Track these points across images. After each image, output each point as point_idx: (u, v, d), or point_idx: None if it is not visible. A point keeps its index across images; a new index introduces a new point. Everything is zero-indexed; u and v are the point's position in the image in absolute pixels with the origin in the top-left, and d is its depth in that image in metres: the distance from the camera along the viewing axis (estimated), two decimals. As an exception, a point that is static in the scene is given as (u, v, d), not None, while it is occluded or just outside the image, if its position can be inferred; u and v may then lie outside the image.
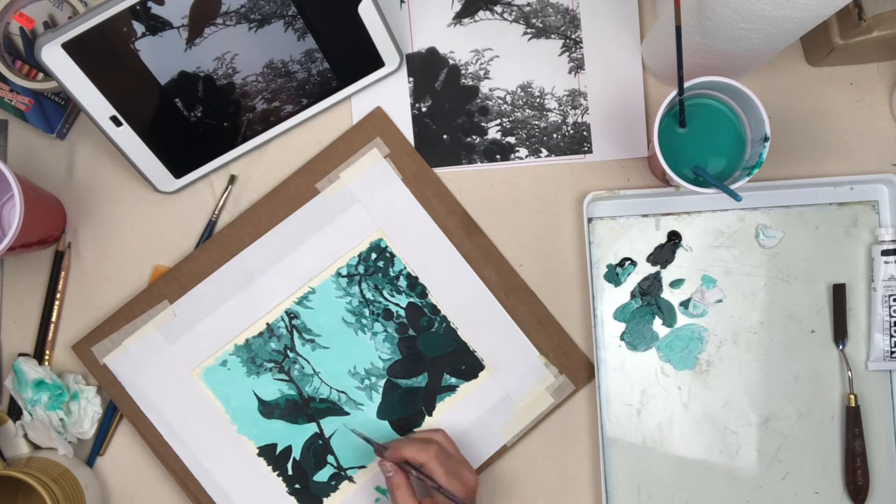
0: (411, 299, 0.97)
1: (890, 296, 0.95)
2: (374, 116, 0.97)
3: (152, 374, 0.96)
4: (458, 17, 0.98)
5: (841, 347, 0.96)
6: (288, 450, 0.97)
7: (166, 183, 0.96)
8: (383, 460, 0.89)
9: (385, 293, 0.97)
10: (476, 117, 0.98)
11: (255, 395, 0.96)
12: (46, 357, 0.97)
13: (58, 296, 0.97)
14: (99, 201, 0.98)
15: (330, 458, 0.97)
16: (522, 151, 0.98)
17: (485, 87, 0.98)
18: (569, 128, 0.98)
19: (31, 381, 0.94)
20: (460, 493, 0.86)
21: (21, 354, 0.96)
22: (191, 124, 0.92)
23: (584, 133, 0.98)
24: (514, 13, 0.98)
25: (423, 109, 0.98)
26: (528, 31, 0.98)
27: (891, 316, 0.95)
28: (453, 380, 0.97)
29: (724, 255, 0.97)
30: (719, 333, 0.97)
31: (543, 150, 0.98)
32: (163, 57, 0.86)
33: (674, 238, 0.97)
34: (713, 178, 0.85)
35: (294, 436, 0.97)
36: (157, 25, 0.83)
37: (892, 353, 0.95)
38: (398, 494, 0.87)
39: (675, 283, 0.97)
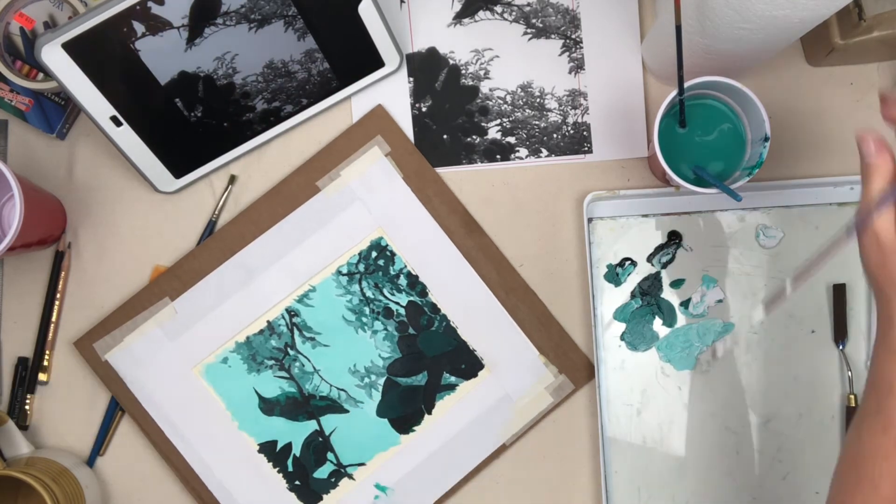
0: (411, 298, 0.97)
1: (890, 296, 0.95)
2: (375, 114, 0.97)
3: (154, 370, 0.96)
4: (458, 17, 0.98)
5: (841, 347, 0.96)
6: (288, 447, 0.97)
7: (166, 183, 0.96)
8: (866, 135, 0.70)
9: (385, 291, 0.97)
10: (476, 117, 0.98)
11: (256, 392, 0.97)
12: (46, 357, 0.97)
13: (58, 296, 0.97)
14: (99, 201, 0.98)
15: (330, 456, 0.97)
16: (522, 151, 0.98)
17: (485, 87, 0.98)
18: (569, 128, 0.98)
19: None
20: None
21: (20, 357, 0.97)
22: (191, 124, 0.92)
23: (584, 133, 0.98)
24: (514, 13, 0.98)
25: (424, 109, 0.98)
26: (528, 31, 0.98)
27: (891, 316, 0.95)
28: (453, 378, 0.97)
29: (724, 255, 0.97)
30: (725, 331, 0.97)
31: (543, 150, 0.98)
32: (163, 57, 0.86)
33: (674, 238, 0.97)
34: (713, 178, 0.85)
35: (294, 433, 0.97)
36: (157, 25, 0.83)
37: (892, 353, 0.95)
38: (873, 177, 0.70)
39: (675, 283, 0.97)
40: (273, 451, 0.97)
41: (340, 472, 0.97)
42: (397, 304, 0.97)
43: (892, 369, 0.71)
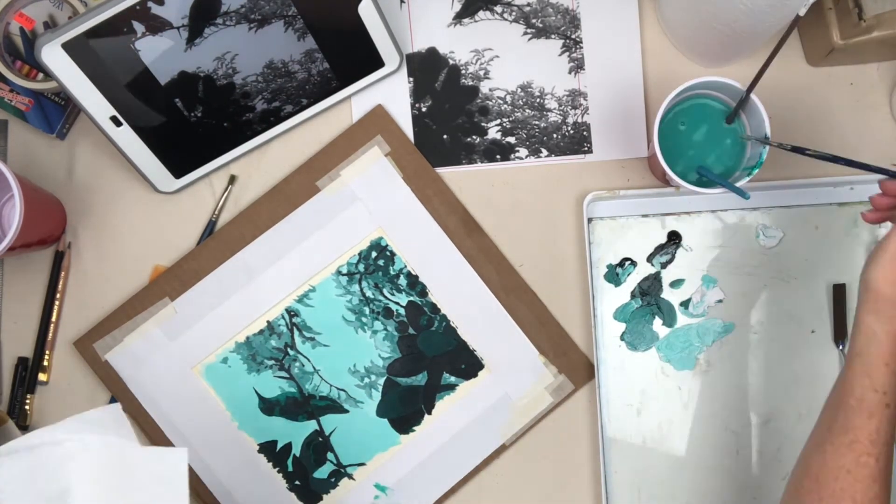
0: (411, 298, 0.97)
1: (890, 296, 0.95)
2: (376, 114, 0.97)
3: (153, 370, 0.96)
4: (458, 17, 0.98)
5: (841, 347, 0.96)
6: (288, 447, 0.97)
7: (166, 183, 0.96)
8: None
9: (385, 292, 0.97)
10: (476, 117, 0.98)
11: (256, 392, 0.97)
12: (46, 357, 0.97)
13: (58, 296, 0.97)
14: (99, 201, 0.98)
15: (330, 456, 0.97)
16: (522, 151, 0.98)
17: (485, 87, 0.98)
18: (569, 128, 0.98)
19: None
20: None
21: (20, 357, 0.97)
22: (191, 124, 0.92)
23: (584, 133, 0.98)
24: (514, 13, 0.98)
25: (423, 109, 0.98)
26: (528, 31, 0.98)
27: (891, 316, 0.95)
28: (453, 378, 0.97)
29: (724, 255, 0.97)
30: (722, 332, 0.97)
31: (543, 150, 0.98)
32: (163, 57, 0.86)
33: (674, 238, 0.97)
34: (719, 178, 0.85)
35: (294, 433, 0.97)
36: (157, 25, 0.83)
37: (892, 353, 0.95)
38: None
39: (675, 283, 0.97)
40: (273, 451, 0.97)
41: (340, 472, 0.97)
42: (397, 304, 0.97)
43: (862, 384, 0.75)
